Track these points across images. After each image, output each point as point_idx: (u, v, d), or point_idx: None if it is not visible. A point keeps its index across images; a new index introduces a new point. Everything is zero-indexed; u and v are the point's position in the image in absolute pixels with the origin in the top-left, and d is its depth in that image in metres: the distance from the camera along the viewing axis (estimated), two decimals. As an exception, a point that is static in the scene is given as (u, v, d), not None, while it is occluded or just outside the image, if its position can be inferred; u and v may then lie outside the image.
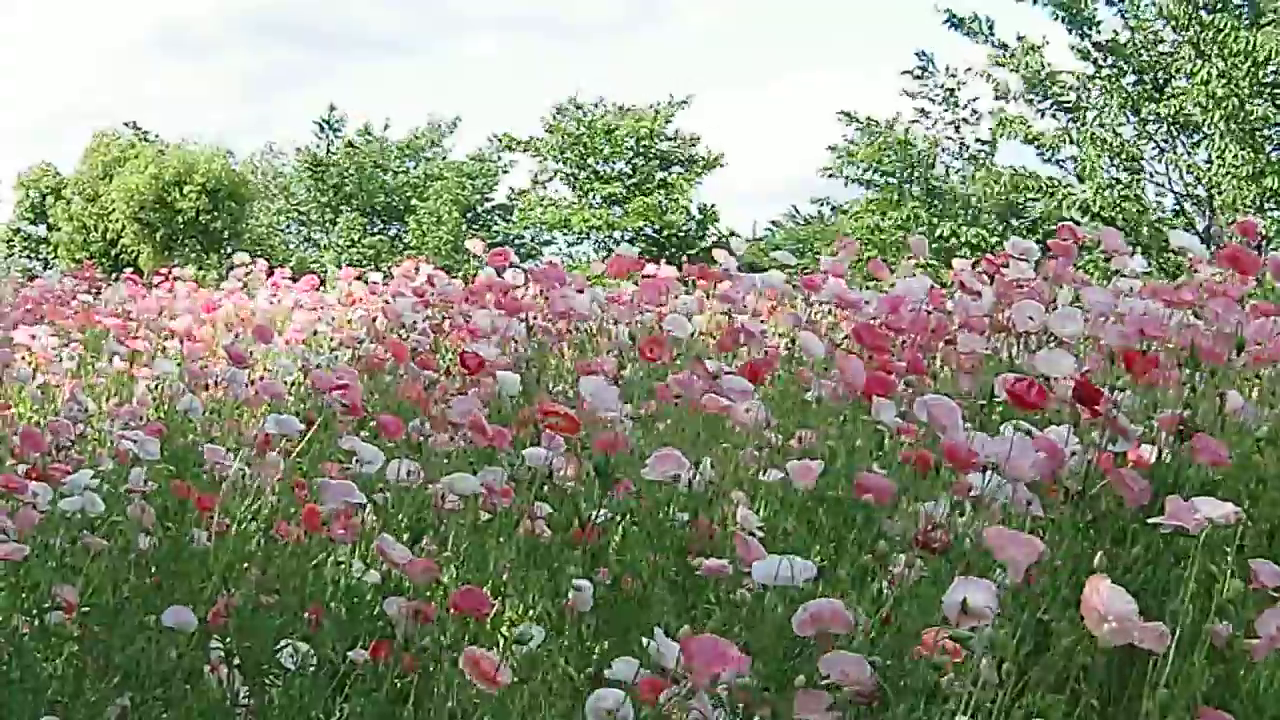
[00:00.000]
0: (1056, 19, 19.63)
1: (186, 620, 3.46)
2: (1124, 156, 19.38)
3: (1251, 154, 17.66)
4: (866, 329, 4.51)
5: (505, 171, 31.72)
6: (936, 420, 3.05)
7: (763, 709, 2.67)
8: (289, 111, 71.68)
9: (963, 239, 20.81)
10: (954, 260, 5.95)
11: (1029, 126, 20.28)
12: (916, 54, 22.19)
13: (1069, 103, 20.16)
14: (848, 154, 23.13)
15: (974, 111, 21.92)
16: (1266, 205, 18.14)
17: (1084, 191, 19.34)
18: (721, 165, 30.36)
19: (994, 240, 20.22)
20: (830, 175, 23.49)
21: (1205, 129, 18.23)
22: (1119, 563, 2.91)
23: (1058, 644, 2.57)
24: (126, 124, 31.36)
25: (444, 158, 32.00)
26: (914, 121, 22.74)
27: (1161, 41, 19.23)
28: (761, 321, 6.45)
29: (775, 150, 58.45)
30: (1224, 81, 17.33)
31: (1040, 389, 3.18)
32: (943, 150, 22.92)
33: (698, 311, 6.77)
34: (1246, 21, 18.05)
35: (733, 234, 27.19)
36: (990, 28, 20.11)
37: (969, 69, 21.51)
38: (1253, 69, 17.37)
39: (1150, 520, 2.78)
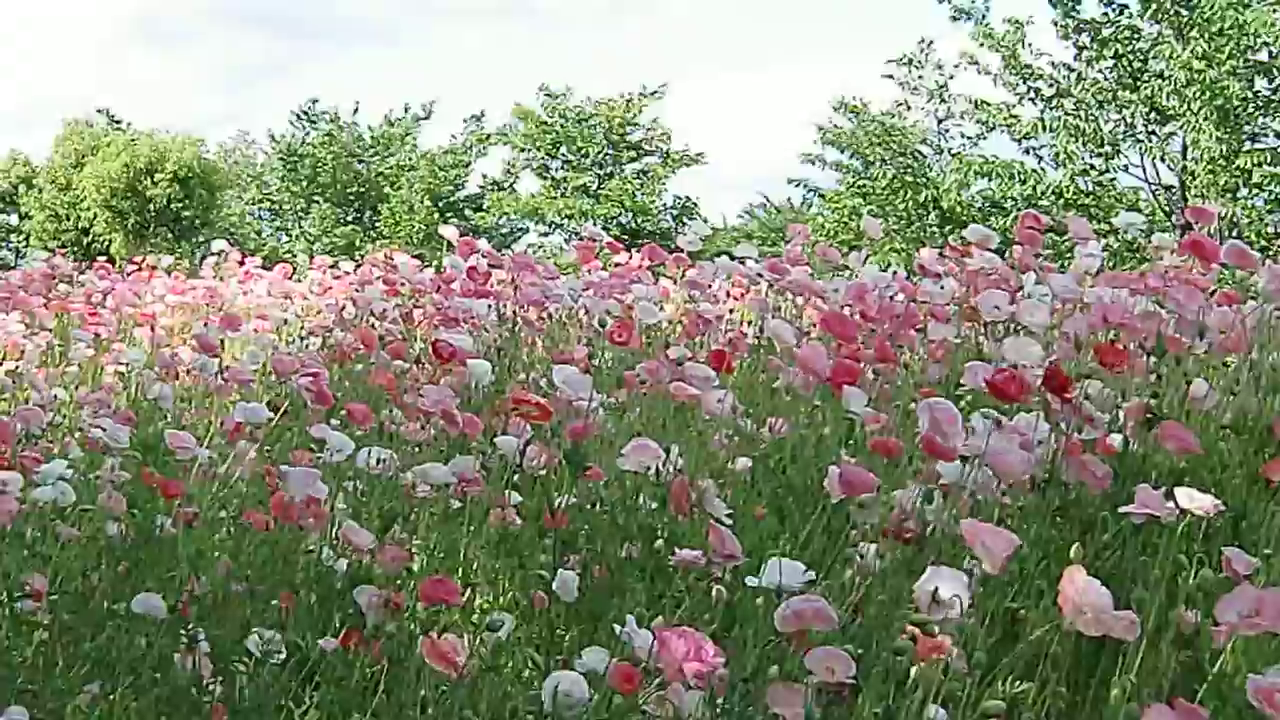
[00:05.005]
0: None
1: (155, 607, 3.46)
2: (1097, 142, 19.41)
3: (1227, 133, 17.71)
4: (836, 318, 4.52)
5: (483, 154, 31.60)
6: (937, 425, 3.06)
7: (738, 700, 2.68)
8: (268, 101, 71.73)
9: (944, 205, 20.81)
10: (922, 250, 5.95)
11: (1008, 112, 20.29)
12: (919, 40, 22.26)
13: (1049, 90, 20.19)
14: (832, 137, 23.05)
15: (962, 113, 21.93)
16: (1239, 191, 18.19)
17: (1061, 178, 19.38)
18: (700, 163, 30.35)
19: (975, 213, 20.24)
20: (810, 161, 23.44)
21: (1181, 112, 18.25)
22: (1087, 551, 2.93)
23: (1027, 632, 2.58)
24: (100, 110, 31.33)
25: (414, 146, 31.89)
26: (889, 114, 22.78)
27: (1138, 33, 19.25)
28: (730, 310, 6.47)
29: (760, 139, 58.59)
30: (1206, 63, 17.37)
31: (1021, 381, 3.19)
32: (925, 142, 22.97)
33: (658, 298, 6.77)
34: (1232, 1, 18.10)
35: (687, 208, 27.17)
36: (985, 13, 20.14)
37: (957, 64, 21.56)
38: (1237, 50, 17.42)
39: (1121, 510, 2.79)
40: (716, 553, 3.07)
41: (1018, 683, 2.43)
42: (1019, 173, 19.64)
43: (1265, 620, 2.16)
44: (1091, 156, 19.56)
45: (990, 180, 20.06)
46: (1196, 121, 17.75)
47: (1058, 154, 19.55)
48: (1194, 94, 17.45)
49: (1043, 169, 19.84)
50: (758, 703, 2.60)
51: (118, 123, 31.06)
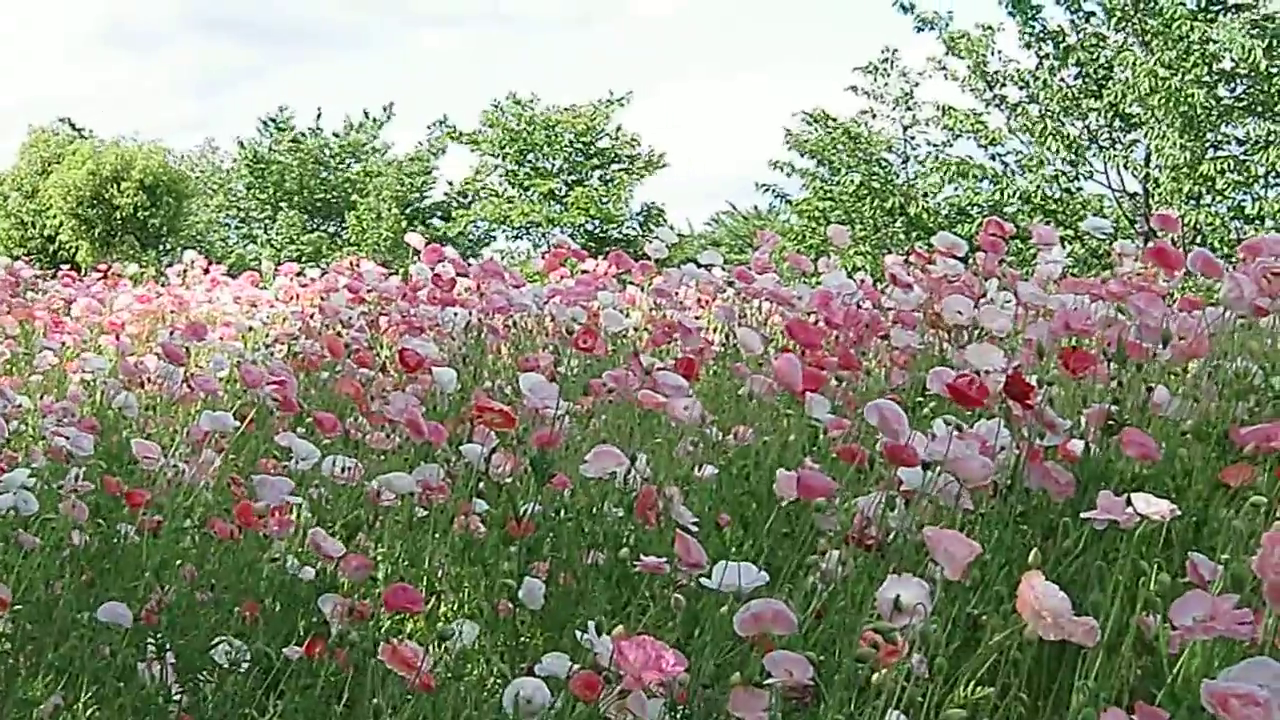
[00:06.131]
0: (1001, 3, 19.81)
1: (121, 615, 3.46)
2: (1069, 148, 19.49)
3: (1191, 140, 17.80)
4: (800, 325, 4.53)
5: (442, 151, 31.48)
6: (886, 424, 3.07)
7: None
8: (240, 106, 71.66)
9: (911, 211, 20.89)
10: (888, 257, 5.98)
11: (976, 117, 20.40)
12: (883, 49, 22.26)
13: (1015, 96, 20.30)
14: (798, 144, 22.99)
15: (928, 120, 21.95)
16: (1202, 198, 18.30)
17: (1029, 184, 19.45)
18: (664, 166, 30.37)
19: (940, 220, 20.38)
20: (778, 167, 23.37)
21: (1145, 119, 18.35)
22: (1049, 556, 2.94)
23: (988, 638, 2.59)
24: (62, 119, 31.24)
25: (383, 153, 31.87)
26: (855, 121, 22.77)
27: (1103, 40, 19.37)
28: (696, 317, 6.48)
29: (728, 146, 58.75)
30: (1172, 72, 17.46)
31: (982, 386, 3.20)
32: (891, 149, 22.99)
33: (626, 305, 6.78)
34: (1197, 10, 18.24)
35: (653, 215, 27.15)
36: (948, 23, 20.24)
37: (923, 71, 21.60)
38: (1202, 59, 17.53)
39: (1082, 515, 2.81)
40: (682, 561, 3.08)
41: (979, 688, 2.44)
42: (992, 174, 19.78)
43: (1219, 625, 2.17)
44: (1062, 163, 19.68)
45: (967, 180, 20.18)
46: (1160, 129, 17.84)
47: (1022, 160, 19.71)
48: (1159, 101, 17.54)
49: (1010, 174, 19.97)
50: (720, 709, 2.60)
51: (79, 130, 31.00)
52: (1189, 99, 17.42)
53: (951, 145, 21.75)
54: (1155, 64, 17.56)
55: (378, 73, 63.17)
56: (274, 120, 32.16)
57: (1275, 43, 17.14)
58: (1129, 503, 2.66)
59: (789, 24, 69.46)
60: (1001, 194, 19.57)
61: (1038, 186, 19.37)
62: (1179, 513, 2.69)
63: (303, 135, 31.86)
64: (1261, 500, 2.71)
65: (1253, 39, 17.06)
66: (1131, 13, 18.34)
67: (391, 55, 64.57)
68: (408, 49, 66.00)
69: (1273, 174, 18.13)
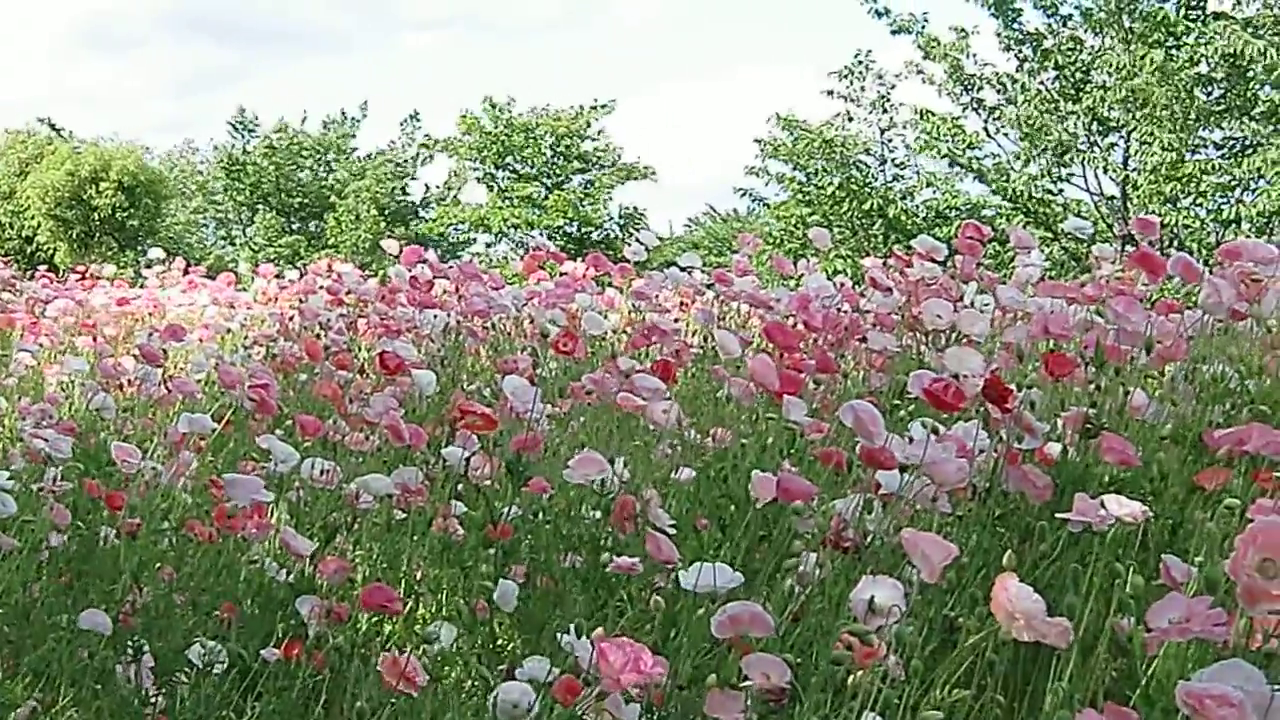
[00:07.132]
0: (982, 5, 19.82)
1: (100, 624, 3.46)
2: (1056, 148, 19.49)
3: (1178, 139, 17.83)
4: (778, 328, 4.53)
5: (429, 160, 31.43)
6: (861, 425, 3.07)
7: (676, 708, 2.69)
8: (220, 108, 71.55)
9: (890, 214, 20.91)
10: (866, 260, 5.99)
11: (952, 123, 20.43)
12: (856, 53, 22.20)
13: (992, 102, 20.33)
14: (772, 149, 22.93)
15: (905, 123, 21.91)
16: (1179, 201, 18.31)
17: (1015, 182, 19.45)
18: (653, 178, 30.35)
19: (919, 222, 20.44)
20: (754, 173, 23.32)
21: (1127, 121, 18.40)
22: (1026, 559, 2.95)
23: (964, 640, 2.59)
24: (41, 120, 31.16)
25: (349, 155, 31.77)
26: (828, 123, 22.72)
27: (1080, 44, 19.42)
28: (676, 320, 6.48)
29: (708, 148, 58.81)
30: (1165, 73, 17.49)
31: (958, 390, 3.21)
32: (868, 152, 22.96)
33: (604, 308, 6.79)
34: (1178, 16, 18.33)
35: (633, 218, 27.12)
36: (923, 25, 20.26)
37: (899, 74, 21.57)
38: (1190, 62, 17.58)
39: (1057, 515, 2.82)
40: (653, 558, 3.09)
41: (955, 690, 2.45)
42: (984, 171, 19.85)
43: (1194, 626, 2.18)
44: (1049, 162, 19.70)
45: (977, 180, 20.26)
46: (1146, 130, 17.87)
47: (999, 164, 19.78)
48: (1154, 99, 17.57)
49: (1001, 173, 20.02)
50: (696, 710, 2.61)
51: (58, 130, 30.93)
52: (1181, 99, 17.47)
53: (931, 148, 21.77)
54: (1163, 62, 17.56)
55: (359, 75, 63.16)
56: (241, 123, 32.08)
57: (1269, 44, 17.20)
58: (1103, 505, 2.67)
59: (772, 27, 69.64)
60: (1000, 191, 19.62)
61: (1025, 186, 19.37)
62: (1152, 515, 2.70)
63: (281, 133, 31.74)
64: (1235, 503, 2.72)
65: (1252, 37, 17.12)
66: (1116, 15, 18.36)
67: (373, 58, 64.60)
68: (390, 52, 66.04)
69: (1256, 177, 18.14)
